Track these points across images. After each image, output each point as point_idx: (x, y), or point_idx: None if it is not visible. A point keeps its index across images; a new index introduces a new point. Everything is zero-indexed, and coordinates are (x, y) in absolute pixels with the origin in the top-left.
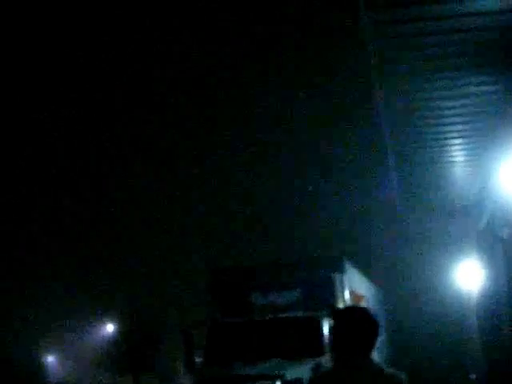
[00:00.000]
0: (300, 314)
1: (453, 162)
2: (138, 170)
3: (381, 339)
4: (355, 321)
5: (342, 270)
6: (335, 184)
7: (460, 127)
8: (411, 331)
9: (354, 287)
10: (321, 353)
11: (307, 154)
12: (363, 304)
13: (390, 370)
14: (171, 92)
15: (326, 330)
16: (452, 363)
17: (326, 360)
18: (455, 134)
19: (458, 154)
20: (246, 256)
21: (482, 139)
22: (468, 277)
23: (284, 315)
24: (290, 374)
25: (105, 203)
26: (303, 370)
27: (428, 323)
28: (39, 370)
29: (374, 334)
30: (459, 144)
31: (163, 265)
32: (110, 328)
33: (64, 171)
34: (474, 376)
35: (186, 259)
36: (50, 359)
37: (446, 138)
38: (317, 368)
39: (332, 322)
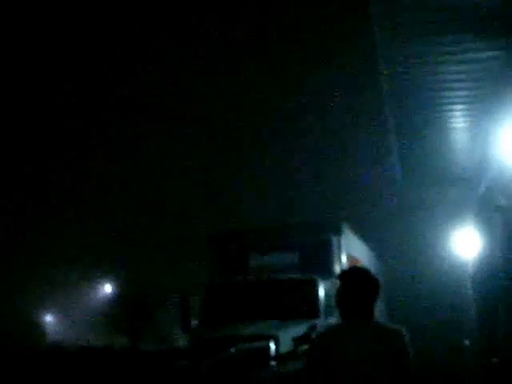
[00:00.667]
0: (297, 275)
1: (453, 128)
2: (137, 132)
3: (378, 304)
4: (358, 281)
5: (339, 234)
6: (336, 153)
7: (461, 93)
8: (407, 298)
9: (351, 251)
10: (316, 314)
11: (308, 123)
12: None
13: (391, 325)
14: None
15: (322, 292)
16: (447, 330)
17: (321, 322)
18: (456, 100)
19: (458, 120)
20: (246, 221)
21: (483, 106)
22: (465, 245)
23: (280, 276)
24: (285, 335)
25: (106, 170)
26: (298, 331)
27: (424, 290)
28: (37, 329)
29: (376, 293)
30: (460, 110)
31: (166, 231)
32: (108, 289)
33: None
34: (467, 342)
35: (189, 225)
36: (49, 319)
37: (447, 104)
38: (312, 329)
39: (337, 282)
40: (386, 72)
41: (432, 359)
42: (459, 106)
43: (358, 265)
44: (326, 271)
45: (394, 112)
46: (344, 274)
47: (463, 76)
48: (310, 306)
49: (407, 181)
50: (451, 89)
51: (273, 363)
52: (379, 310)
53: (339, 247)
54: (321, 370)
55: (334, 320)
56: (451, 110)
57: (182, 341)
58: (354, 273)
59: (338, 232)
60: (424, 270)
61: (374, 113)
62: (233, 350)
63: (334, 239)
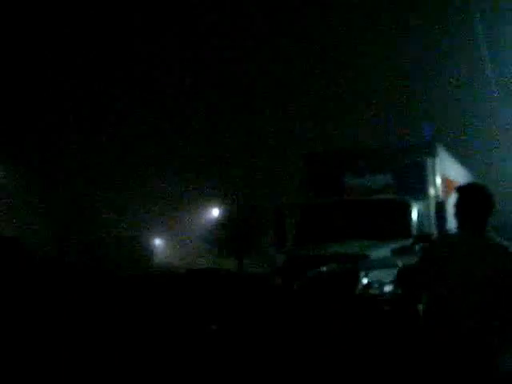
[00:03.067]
0: (390, 196)
1: None
2: None
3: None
4: (473, 194)
5: (433, 155)
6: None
7: None
8: (506, 217)
9: (447, 173)
10: (408, 236)
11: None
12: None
13: (504, 242)
14: None
15: (415, 213)
16: None
17: (411, 243)
18: None
19: None
20: (339, 141)
21: None
22: None
23: (375, 197)
24: (376, 255)
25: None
26: (388, 251)
27: None
28: (147, 251)
29: (490, 208)
30: None
31: (266, 153)
32: (215, 213)
33: None
34: None
35: (286, 146)
36: (158, 242)
37: None
38: (402, 250)
39: (456, 196)
40: None
41: None
42: None
43: (454, 187)
44: (419, 193)
45: (485, 27)
46: (462, 187)
47: None
48: (402, 228)
49: (504, 100)
50: None
51: (364, 282)
52: None
53: (434, 169)
54: (431, 268)
55: None
56: None
57: (277, 260)
58: (471, 187)
59: (433, 153)
60: None
61: (463, 31)
62: (324, 268)
63: (429, 161)
